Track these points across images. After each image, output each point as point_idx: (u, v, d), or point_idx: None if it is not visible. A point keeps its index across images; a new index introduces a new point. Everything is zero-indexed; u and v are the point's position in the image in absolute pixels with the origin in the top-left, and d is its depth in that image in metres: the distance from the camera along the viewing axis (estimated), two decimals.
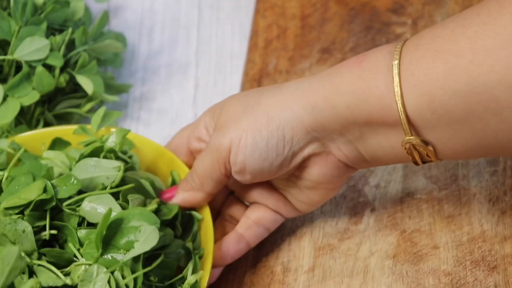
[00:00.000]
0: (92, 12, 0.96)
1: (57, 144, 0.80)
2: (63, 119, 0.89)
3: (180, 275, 0.72)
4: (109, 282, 0.68)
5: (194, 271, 0.72)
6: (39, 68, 0.82)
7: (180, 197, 0.75)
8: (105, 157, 0.76)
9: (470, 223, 0.76)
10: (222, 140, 0.70)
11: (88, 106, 0.87)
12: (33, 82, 0.82)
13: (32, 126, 0.87)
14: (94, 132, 0.80)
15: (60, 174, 0.75)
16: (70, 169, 0.75)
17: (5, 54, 0.83)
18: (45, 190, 0.71)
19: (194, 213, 0.76)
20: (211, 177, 0.73)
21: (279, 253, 0.77)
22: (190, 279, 0.71)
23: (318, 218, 0.78)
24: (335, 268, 0.75)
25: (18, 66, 0.84)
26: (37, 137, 0.81)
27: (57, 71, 0.84)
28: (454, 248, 0.74)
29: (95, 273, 0.68)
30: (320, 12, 0.91)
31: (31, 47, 0.83)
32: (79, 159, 0.75)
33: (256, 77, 0.89)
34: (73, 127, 0.81)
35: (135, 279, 0.68)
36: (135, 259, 0.69)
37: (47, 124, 0.88)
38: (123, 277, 0.68)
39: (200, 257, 0.74)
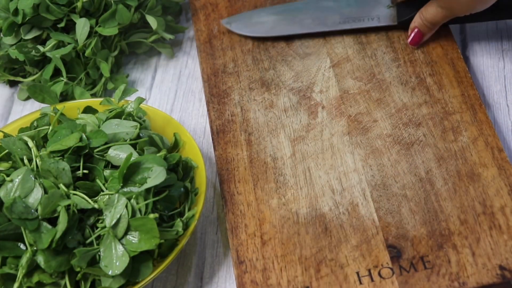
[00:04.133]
0: None
1: (87, 111, 0.92)
2: (134, 47, 1.09)
3: (179, 209, 0.82)
4: (126, 206, 0.76)
5: (191, 206, 0.83)
6: (120, 6, 1.02)
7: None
8: (125, 119, 0.86)
9: (393, 100, 0.97)
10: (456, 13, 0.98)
11: (152, 38, 1.07)
12: (116, 16, 1.02)
13: (111, 50, 1.05)
14: (116, 103, 0.92)
15: (91, 130, 0.84)
16: (99, 127, 0.85)
17: None
18: (81, 140, 0.80)
19: (191, 162, 0.86)
20: (439, 24, 1.00)
21: (265, 149, 0.93)
22: (189, 213, 0.82)
23: (285, 120, 0.96)
24: (309, 150, 0.93)
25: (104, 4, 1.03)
26: (72, 106, 0.93)
27: (132, 10, 1.04)
28: (387, 118, 0.95)
29: (116, 200, 0.76)
30: None
31: None
32: (106, 120, 0.85)
33: (207, 40, 1.07)
34: (99, 99, 0.93)
35: (147, 205, 0.77)
36: (148, 190, 0.78)
37: (121, 51, 1.08)
38: (138, 204, 0.77)
39: (196, 194, 0.84)
